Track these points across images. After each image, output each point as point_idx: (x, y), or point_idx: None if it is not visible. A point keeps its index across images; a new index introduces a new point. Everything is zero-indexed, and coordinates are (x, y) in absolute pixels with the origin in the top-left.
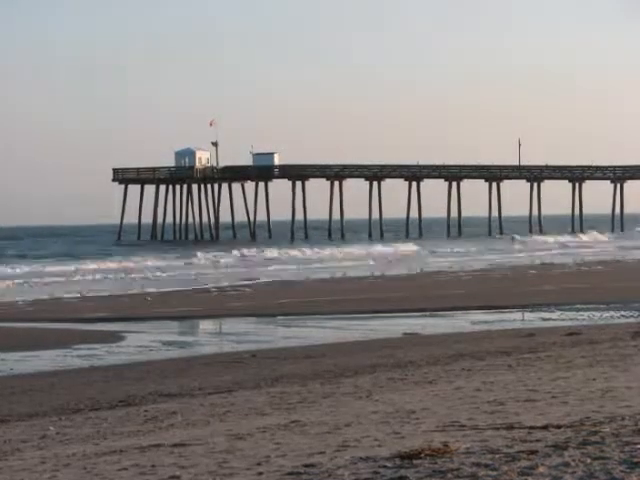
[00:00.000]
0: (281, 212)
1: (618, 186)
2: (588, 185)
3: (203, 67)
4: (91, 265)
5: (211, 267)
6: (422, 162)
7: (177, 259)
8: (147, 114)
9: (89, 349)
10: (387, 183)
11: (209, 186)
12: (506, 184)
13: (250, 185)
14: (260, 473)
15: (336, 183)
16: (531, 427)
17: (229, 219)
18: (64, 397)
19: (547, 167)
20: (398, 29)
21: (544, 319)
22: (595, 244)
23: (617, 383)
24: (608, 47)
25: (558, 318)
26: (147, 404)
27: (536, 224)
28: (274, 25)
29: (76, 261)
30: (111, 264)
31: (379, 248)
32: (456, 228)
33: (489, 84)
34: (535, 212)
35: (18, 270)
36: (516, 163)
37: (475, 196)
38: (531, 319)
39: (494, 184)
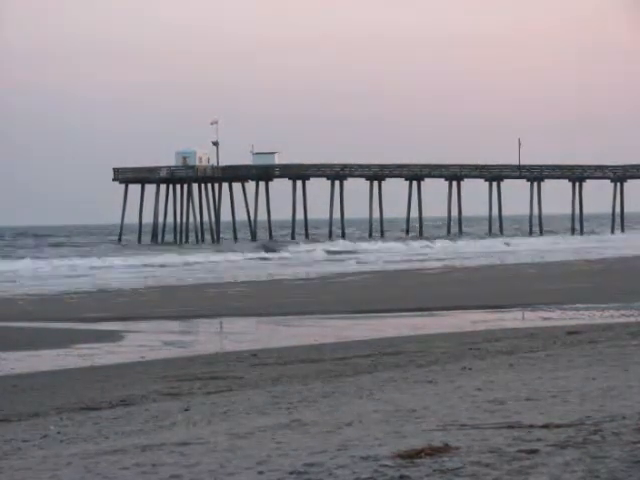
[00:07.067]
0: (282, 212)
1: (618, 185)
2: (588, 184)
3: (204, 66)
4: None
5: None
6: (422, 162)
7: None
8: (147, 114)
9: (89, 348)
10: (387, 182)
11: (209, 186)
12: (506, 183)
13: (251, 185)
14: (261, 472)
15: (337, 182)
16: (531, 426)
17: (229, 218)
18: (65, 396)
19: (547, 166)
20: (398, 28)
21: (544, 318)
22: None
23: (617, 382)
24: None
25: (558, 317)
26: (148, 403)
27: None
28: (274, 25)
29: None
30: None
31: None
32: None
33: (490, 82)
34: (535, 211)
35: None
36: (516, 163)
37: (475, 195)
38: (531, 318)
39: (494, 184)
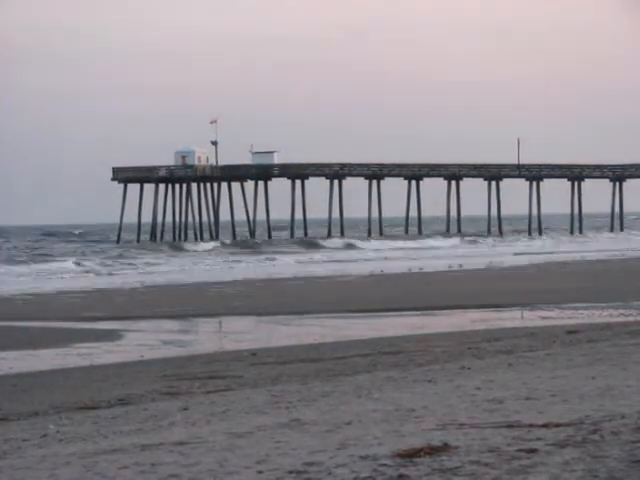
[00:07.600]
0: (281, 211)
1: (617, 185)
2: (587, 184)
3: (203, 66)
4: None
5: None
6: (422, 162)
7: None
8: (147, 113)
9: (88, 348)
10: (386, 182)
11: (208, 185)
12: (505, 183)
13: (249, 184)
14: (260, 472)
15: (335, 182)
16: (531, 425)
17: (228, 218)
18: (64, 396)
19: (546, 166)
20: (400, 28)
21: (544, 318)
22: None
23: (616, 381)
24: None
25: (558, 317)
26: (147, 402)
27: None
28: (274, 26)
29: None
30: None
31: None
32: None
33: (489, 83)
34: (535, 211)
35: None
36: (515, 162)
37: (475, 195)
38: (531, 318)
39: (493, 183)
